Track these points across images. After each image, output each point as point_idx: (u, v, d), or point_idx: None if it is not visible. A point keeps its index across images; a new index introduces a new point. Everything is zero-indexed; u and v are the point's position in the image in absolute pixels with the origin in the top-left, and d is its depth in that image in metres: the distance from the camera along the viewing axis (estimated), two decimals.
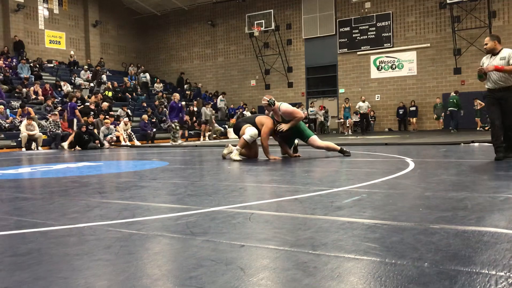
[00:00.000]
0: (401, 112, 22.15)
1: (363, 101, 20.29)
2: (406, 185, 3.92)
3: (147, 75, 25.57)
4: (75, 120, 16.07)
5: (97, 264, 1.87)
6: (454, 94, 18.67)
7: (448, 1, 20.23)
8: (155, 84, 25.75)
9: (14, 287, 1.62)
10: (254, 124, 7.25)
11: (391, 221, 2.48)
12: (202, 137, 19.38)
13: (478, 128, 19.19)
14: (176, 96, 16.29)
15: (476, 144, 9.77)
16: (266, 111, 7.40)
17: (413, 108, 21.84)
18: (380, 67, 23.13)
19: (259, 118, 7.32)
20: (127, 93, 22.64)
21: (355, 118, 21.77)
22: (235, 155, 7.15)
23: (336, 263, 1.77)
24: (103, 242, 2.22)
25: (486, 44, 6.01)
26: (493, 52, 5.95)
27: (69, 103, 16.51)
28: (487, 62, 5.97)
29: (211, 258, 1.88)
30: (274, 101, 7.15)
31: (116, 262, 1.88)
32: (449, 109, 18.58)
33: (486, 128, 18.58)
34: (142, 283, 1.61)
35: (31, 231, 2.54)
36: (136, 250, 2.06)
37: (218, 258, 1.88)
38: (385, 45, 22.86)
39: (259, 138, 7.30)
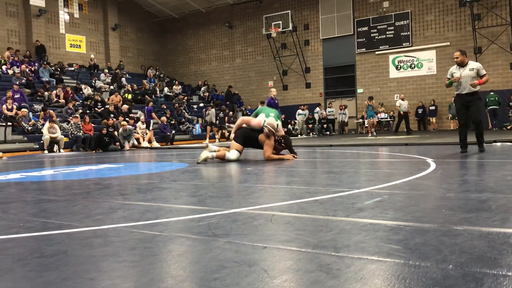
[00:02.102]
0: (420, 112, 21.86)
1: (403, 99, 18.58)
2: (428, 186, 3.88)
3: (167, 88, 25.75)
4: (151, 122, 18.07)
5: (123, 265, 1.90)
6: (493, 93, 18.66)
7: None
8: (174, 86, 25.94)
9: None
10: (257, 140, 7.41)
11: (413, 222, 2.46)
12: (217, 139, 19.44)
13: (490, 128, 18.87)
14: (273, 91, 14.56)
15: (499, 143, 9.60)
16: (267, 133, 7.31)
17: (433, 108, 21.54)
18: (399, 66, 22.91)
19: (261, 138, 7.37)
20: (146, 95, 22.85)
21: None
22: (232, 155, 7.25)
23: (360, 265, 1.76)
24: (127, 243, 2.25)
25: (457, 58, 7.31)
26: (462, 64, 7.28)
27: (146, 107, 18.73)
28: (458, 72, 7.29)
29: (234, 260, 1.89)
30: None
31: (140, 263, 1.91)
32: (491, 107, 18.48)
33: (508, 127, 18.24)
34: (167, 285, 1.64)
35: (57, 232, 2.59)
36: (160, 252, 2.09)
37: (241, 259, 1.89)
38: (403, 44, 22.63)
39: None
